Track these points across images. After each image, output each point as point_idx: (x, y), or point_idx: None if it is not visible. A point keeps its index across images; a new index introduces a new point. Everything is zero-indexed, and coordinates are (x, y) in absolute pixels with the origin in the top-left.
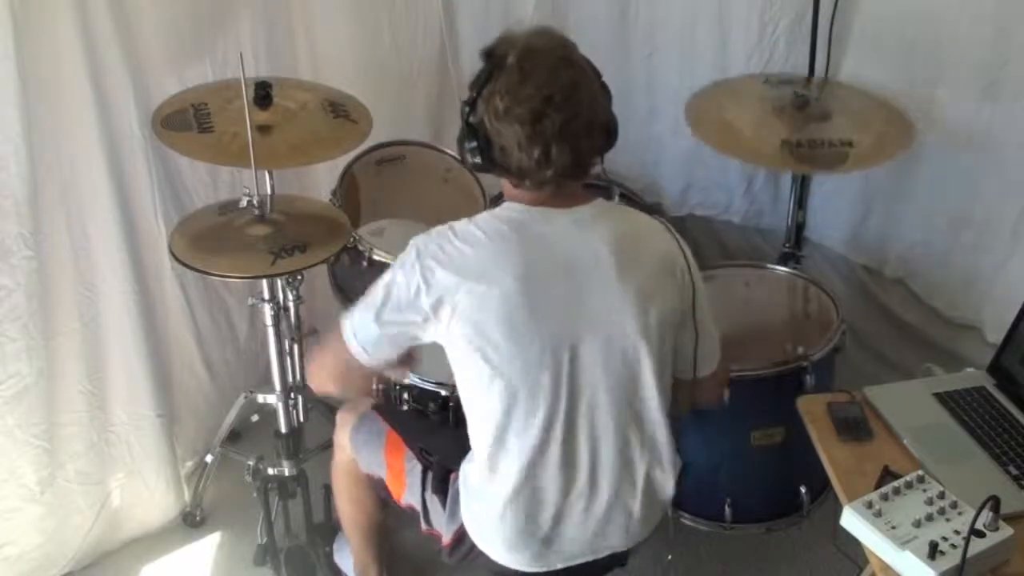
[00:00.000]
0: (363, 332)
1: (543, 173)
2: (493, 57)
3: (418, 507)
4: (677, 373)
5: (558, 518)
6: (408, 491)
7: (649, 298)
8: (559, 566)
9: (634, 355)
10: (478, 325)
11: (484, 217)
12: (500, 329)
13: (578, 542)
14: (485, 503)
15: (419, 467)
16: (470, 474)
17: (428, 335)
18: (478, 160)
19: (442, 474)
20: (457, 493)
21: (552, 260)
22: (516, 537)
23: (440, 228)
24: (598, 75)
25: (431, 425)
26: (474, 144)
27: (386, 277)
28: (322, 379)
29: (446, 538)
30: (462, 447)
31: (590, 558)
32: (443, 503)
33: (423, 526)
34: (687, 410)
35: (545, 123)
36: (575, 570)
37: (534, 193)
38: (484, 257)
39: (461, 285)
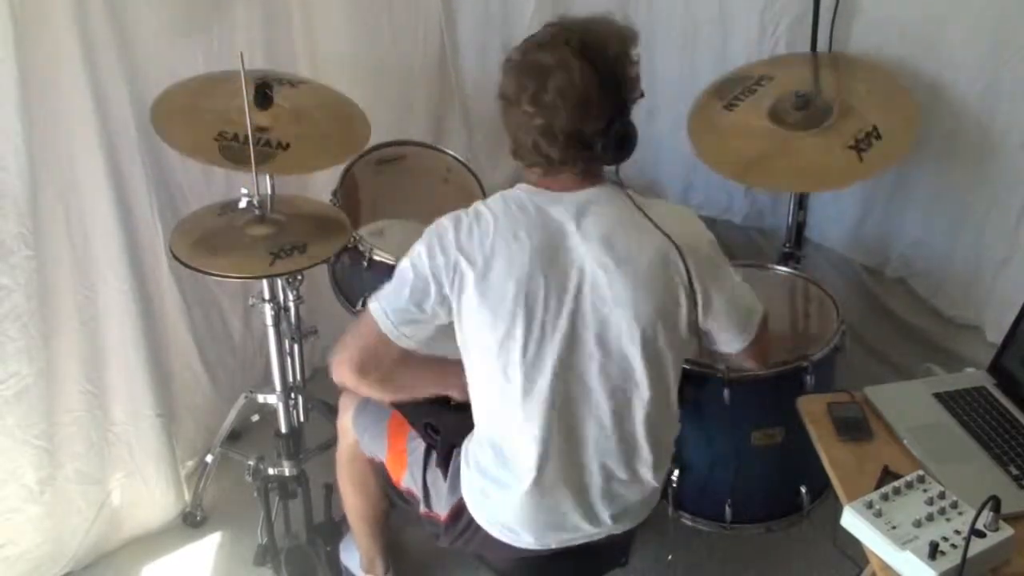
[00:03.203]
0: (395, 315)
1: (514, 145)
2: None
3: (417, 490)
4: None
5: (550, 495)
6: (408, 472)
7: (642, 291)
8: (554, 546)
9: (631, 347)
10: (490, 302)
11: (495, 197)
12: (510, 307)
13: (571, 521)
14: (484, 479)
15: (421, 447)
16: (471, 451)
17: (452, 315)
18: None
19: (447, 450)
20: (459, 467)
21: (554, 242)
22: (512, 510)
23: (454, 212)
24: (599, 94)
25: (433, 406)
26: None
27: (409, 263)
28: (343, 366)
29: (443, 513)
30: (466, 424)
31: (585, 540)
32: (444, 475)
33: (422, 508)
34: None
35: (513, 109)
36: (572, 554)
37: (531, 172)
38: (496, 235)
39: (476, 264)
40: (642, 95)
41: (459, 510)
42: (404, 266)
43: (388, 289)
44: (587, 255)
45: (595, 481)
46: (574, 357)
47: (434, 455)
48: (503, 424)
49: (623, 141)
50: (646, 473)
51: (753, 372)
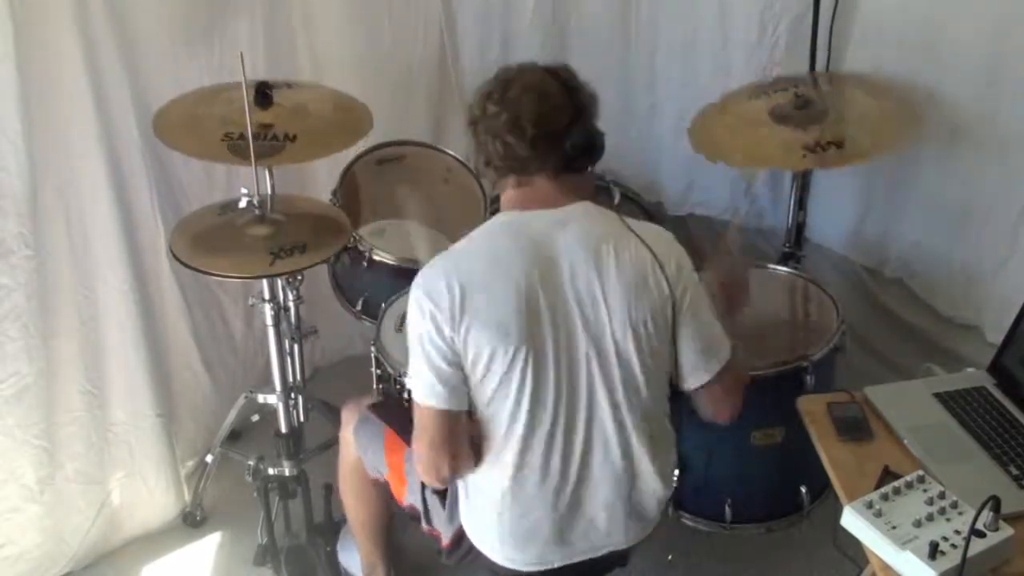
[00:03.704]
0: (437, 384)
1: (480, 158)
2: None
3: (419, 507)
4: (677, 381)
5: (556, 516)
6: (409, 491)
7: (629, 300)
8: (557, 564)
9: (627, 362)
10: (486, 332)
11: (478, 230)
12: (505, 334)
13: (577, 539)
14: (484, 503)
15: None
16: (469, 479)
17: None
18: None
19: None
20: (456, 494)
21: (542, 264)
22: (514, 536)
23: (436, 257)
24: (570, 90)
25: None
26: None
27: (411, 332)
28: (435, 465)
29: (445, 539)
30: None
31: (590, 556)
32: (443, 503)
33: (424, 526)
34: (708, 418)
35: (485, 117)
36: (575, 568)
37: (508, 191)
38: (482, 267)
39: (467, 299)
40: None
41: (460, 537)
42: (410, 339)
43: (413, 369)
44: (575, 270)
45: (603, 504)
46: (576, 378)
47: None
48: (504, 453)
49: (591, 139)
50: (654, 484)
51: (754, 372)
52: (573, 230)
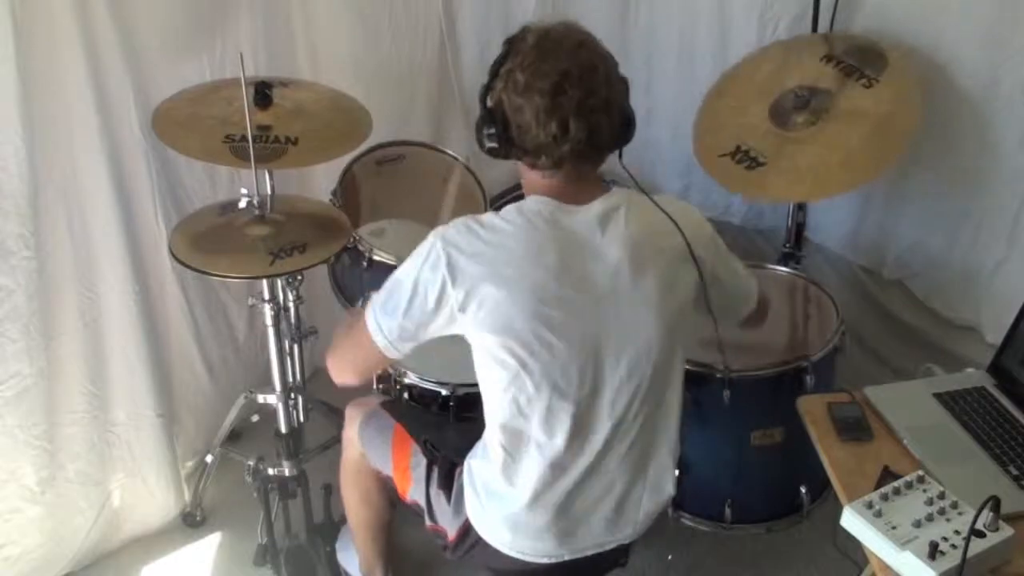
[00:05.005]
0: (391, 333)
1: (560, 149)
2: (513, 41)
3: (423, 503)
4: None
5: (568, 508)
6: (413, 487)
7: (665, 294)
8: (567, 557)
9: (657, 355)
10: (506, 318)
11: (510, 209)
12: (528, 323)
13: (587, 533)
14: (494, 495)
15: (424, 462)
16: (478, 468)
17: (455, 329)
18: (495, 144)
19: (447, 469)
20: (462, 488)
21: (577, 255)
22: (526, 528)
23: (464, 218)
24: (616, 65)
25: (436, 420)
26: (492, 129)
27: (410, 272)
28: (345, 374)
29: (451, 534)
30: (467, 441)
31: (598, 550)
32: (448, 498)
33: (427, 522)
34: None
35: (564, 97)
36: (580, 564)
37: (552, 180)
38: (512, 248)
39: (489, 277)
40: None
41: (466, 530)
42: (402, 277)
43: (383, 301)
44: (612, 265)
45: (617, 496)
46: (600, 371)
47: (436, 473)
48: (522, 445)
49: (632, 117)
50: (667, 481)
51: (754, 372)
52: (613, 231)
